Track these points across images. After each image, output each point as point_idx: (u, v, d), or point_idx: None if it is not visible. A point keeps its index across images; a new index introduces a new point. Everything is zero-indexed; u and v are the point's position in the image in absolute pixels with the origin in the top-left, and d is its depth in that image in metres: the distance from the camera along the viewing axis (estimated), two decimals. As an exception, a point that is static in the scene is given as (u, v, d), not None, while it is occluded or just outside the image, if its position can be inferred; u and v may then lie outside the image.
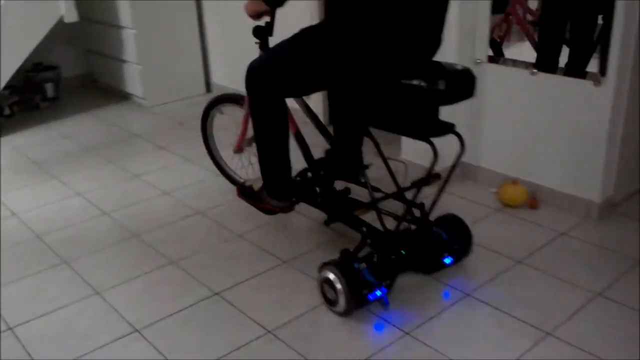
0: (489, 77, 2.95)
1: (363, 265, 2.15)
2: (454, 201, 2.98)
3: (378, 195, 2.37)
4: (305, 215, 2.86)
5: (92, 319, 2.23)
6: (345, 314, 2.17)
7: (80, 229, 2.88)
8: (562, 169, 2.81)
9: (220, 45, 4.65)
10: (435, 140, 2.17)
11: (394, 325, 2.13)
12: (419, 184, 2.29)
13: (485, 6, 2.86)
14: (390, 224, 2.28)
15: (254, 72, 2.32)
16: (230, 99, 2.91)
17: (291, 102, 2.40)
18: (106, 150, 3.82)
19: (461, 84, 2.10)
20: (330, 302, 2.20)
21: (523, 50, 2.84)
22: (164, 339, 2.11)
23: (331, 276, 2.14)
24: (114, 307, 2.29)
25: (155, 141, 3.90)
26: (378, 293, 2.15)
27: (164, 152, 3.73)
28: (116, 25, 4.54)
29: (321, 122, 2.57)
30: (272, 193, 2.53)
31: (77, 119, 4.42)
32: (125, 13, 4.40)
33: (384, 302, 2.21)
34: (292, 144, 2.47)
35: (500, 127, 2.99)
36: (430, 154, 2.17)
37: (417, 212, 2.38)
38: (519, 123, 2.90)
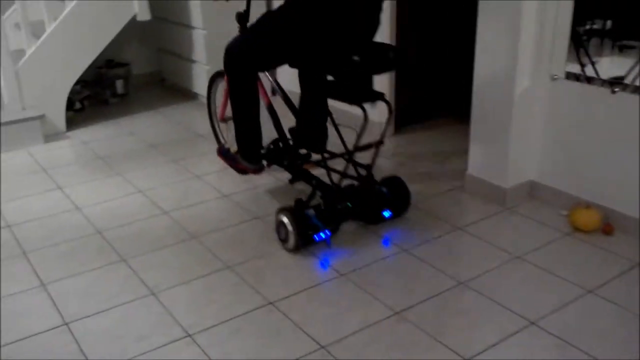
0: (566, 94, 2.81)
1: (312, 211, 2.62)
2: (520, 221, 2.85)
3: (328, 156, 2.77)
4: (378, 234, 2.80)
5: (146, 320, 2.23)
6: (294, 250, 2.61)
7: (139, 226, 2.89)
8: (640, 195, 2.65)
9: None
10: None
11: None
12: (363, 148, 2.75)
13: (565, 19, 2.72)
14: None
15: (230, 51, 2.70)
16: None
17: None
18: (170, 148, 3.85)
19: (382, 58, 2.55)
20: (283, 240, 2.64)
21: (602, 66, 2.70)
22: (216, 346, 2.08)
23: (284, 219, 2.58)
24: (169, 310, 2.28)
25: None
26: (322, 235, 2.61)
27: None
28: (187, 25, 4.58)
29: (288, 96, 2.92)
30: (245, 156, 2.91)
31: (144, 116, 4.48)
32: (196, 13, 4.44)
33: (327, 243, 2.66)
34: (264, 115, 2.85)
35: (574, 147, 2.85)
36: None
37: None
38: (595, 143, 2.76)
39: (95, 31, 4.13)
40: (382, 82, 3.83)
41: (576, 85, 2.77)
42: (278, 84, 3.00)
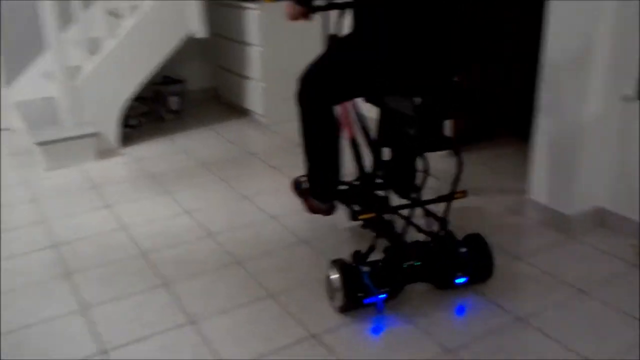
0: (638, 116, 2.60)
1: (367, 268, 2.23)
2: (586, 251, 2.65)
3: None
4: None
5: (184, 350, 2.14)
6: (342, 310, 2.27)
7: (184, 249, 2.82)
8: None
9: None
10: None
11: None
12: (442, 199, 2.35)
13: (636, 34, 2.52)
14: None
15: (305, 81, 2.52)
16: None
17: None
18: (220, 167, 3.79)
19: (448, 100, 2.21)
20: (330, 297, 2.33)
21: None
22: (253, 382, 1.98)
23: (332, 275, 2.28)
24: (208, 340, 2.18)
25: (269, 161, 3.83)
26: (374, 300, 2.23)
27: (276, 173, 3.64)
28: (244, 42, 4.54)
29: (367, 130, 2.66)
30: (315, 194, 2.72)
31: (198, 133, 4.45)
32: (253, 30, 4.39)
33: (378, 308, 2.26)
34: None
35: (647, 173, 2.63)
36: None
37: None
38: (671, 170, 2.54)
39: (152, 48, 4.12)
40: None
41: (650, 106, 2.57)
42: (358, 115, 2.71)
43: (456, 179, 2.27)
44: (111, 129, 4.11)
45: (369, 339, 2.16)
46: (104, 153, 4.05)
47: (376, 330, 2.20)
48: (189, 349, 2.14)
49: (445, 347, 2.10)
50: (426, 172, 2.27)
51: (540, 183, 2.91)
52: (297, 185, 2.95)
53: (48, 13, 3.68)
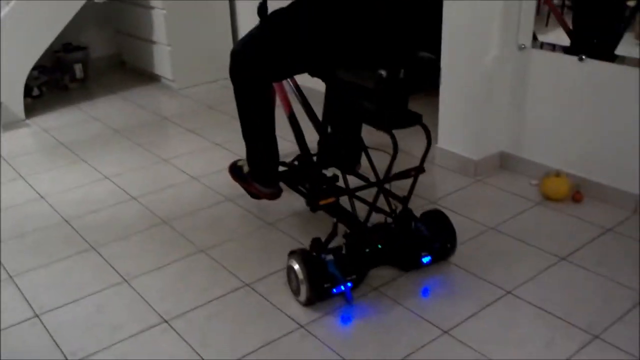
0: (533, 64, 2.82)
1: (330, 257, 2.10)
2: (491, 192, 2.87)
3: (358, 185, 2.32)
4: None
5: (120, 308, 2.18)
6: (307, 303, 2.13)
7: (108, 213, 2.82)
8: (609, 161, 2.68)
9: (252, 26, 4.55)
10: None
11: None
12: (398, 176, 2.23)
13: (532, -11, 2.73)
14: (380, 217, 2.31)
15: (237, 56, 2.31)
16: None
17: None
18: (135, 133, 3.76)
19: (416, 73, 2.03)
20: (293, 291, 2.17)
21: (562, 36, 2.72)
22: (194, 331, 2.05)
23: (295, 266, 2.10)
24: (143, 297, 2.23)
25: (184, 124, 3.84)
26: (342, 288, 2.11)
27: (193, 136, 3.66)
28: (146, 6, 4.47)
29: (310, 105, 2.46)
30: (257, 178, 2.53)
31: (106, 101, 4.37)
32: (155, -7, 4.33)
33: (347, 297, 2.14)
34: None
35: (543, 116, 2.86)
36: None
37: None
38: (564, 112, 2.78)
39: (51, 14, 3.99)
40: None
41: (543, 53, 2.78)
42: (299, 89, 2.51)
43: (424, 156, 2.18)
44: (14, 100, 3.97)
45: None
46: (9, 125, 3.91)
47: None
48: (125, 306, 2.18)
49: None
50: (395, 150, 2.05)
51: (447, 132, 3.10)
52: (235, 170, 2.71)
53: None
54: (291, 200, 2.79)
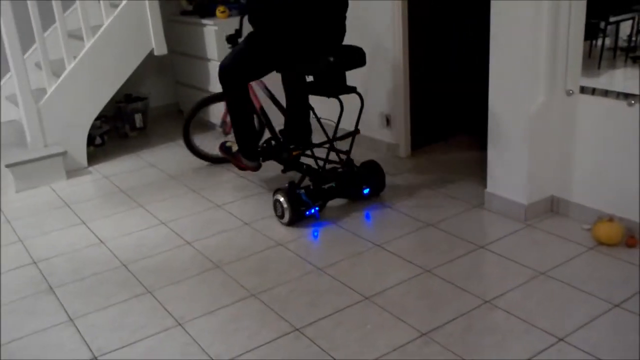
0: (581, 109, 2.81)
1: (302, 190, 3.11)
2: (542, 237, 2.84)
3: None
4: (399, 256, 2.80)
5: (173, 352, 2.24)
6: (289, 224, 3.11)
7: (163, 257, 2.92)
8: (662, 206, 2.63)
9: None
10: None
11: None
12: (342, 137, 3.31)
13: (579, 32, 2.74)
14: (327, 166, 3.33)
15: (224, 68, 3.20)
16: (213, 99, 3.96)
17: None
18: (189, 179, 3.89)
19: (350, 57, 3.10)
20: (279, 216, 3.15)
21: (615, 79, 2.71)
22: (243, 374, 2.09)
23: (280, 198, 3.09)
24: (196, 340, 2.29)
25: (236, 170, 3.94)
26: (312, 210, 3.13)
27: (245, 182, 3.76)
28: (203, 58, 4.65)
29: (277, 100, 3.53)
30: (245, 154, 3.41)
31: (163, 148, 4.54)
32: (211, 46, 4.50)
33: (316, 216, 3.16)
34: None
35: (594, 160, 2.84)
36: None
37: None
38: (615, 156, 2.75)
39: (114, 68, 4.21)
40: (397, 101, 3.86)
41: (591, 99, 2.78)
42: (268, 90, 3.57)
43: (358, 118, 3.26)
44: (78, 148, 4.17)
45: (349, 330, 2.30)
46: (72, 172, 4.10)
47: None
48: (178, 349, 2.25)
49: (419, 330, 2.25)
50: (341, 110, 3.17)
51: (496, 176, 3.10)
52: (225, 149, 3.66)
53: (10, 36, 3.74)
54: (338, 247, 2.84)
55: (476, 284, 2.52)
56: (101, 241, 3.13)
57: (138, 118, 4.87)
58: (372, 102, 4.02)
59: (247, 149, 3.39)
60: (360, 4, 3.84)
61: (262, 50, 3.08)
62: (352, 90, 3.18)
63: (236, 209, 3.39)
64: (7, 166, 3.82)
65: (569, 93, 2.83)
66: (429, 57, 3.94)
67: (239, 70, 3.18)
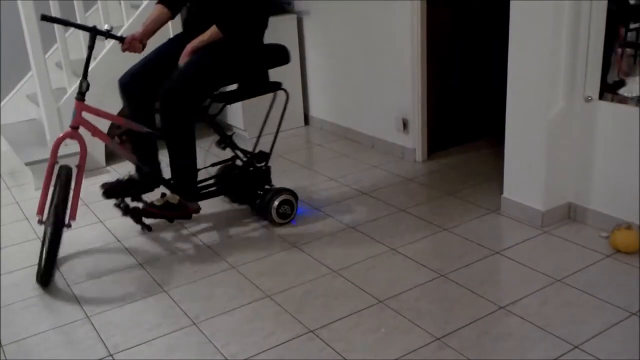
0: (601, 115, 2.80)
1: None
2: (559, 244, 2.83)
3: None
4: (414, 260, 2.80)
5: (189, 350, 2.26)
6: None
7: (179, 257, 2.94)
8: (682, 215, 2.61)
9: (319, 80, 4.69)
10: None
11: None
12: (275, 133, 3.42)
13: (599, 39, 2.72)
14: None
15: (183, 88, 2.90)
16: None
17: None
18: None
19: (277, 55, 3.16)
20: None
21: (635, 86, 2.69)
22: (258, 375, 2.10)
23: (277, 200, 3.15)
24: (210, 339, 2.30)
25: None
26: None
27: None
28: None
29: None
30: (190, 197, 3.07)
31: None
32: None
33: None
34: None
35: (612, 167, 2.82)
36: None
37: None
38: (634, 164, 2.73)
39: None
40: (413, 105, 3.86)
41: (610, 105, 2.76)
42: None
43: (282, 113, 3.32)
44: (96, 147, 4.21)
45: (365, 333, 2.30)
46: (91, 171, 4.14)
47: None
48: (193, 348, 2.26)
49: (433, 334, 2.25)
50: (273, 100, 3.29)
51: (513, 182, 3.09)
52: (166, 209, 3.08)
53: (32, 36, 3.79)
54: (353, 250, 2.84)
55: (491, 290, 2.51)
56: (118, 240, 3.16)
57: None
58: (389, 105, 4.03)
59: (192, 188, 3.11)
60: (379, 4, 3.84)
61: (236, 63, 3.00)
62: (278, 86, 3.19)
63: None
64: (27, 164, 3.86)
65: (587, 99, 2.82)
66: (448, 61, 3.93)
67: (202, 88, 2.94)
